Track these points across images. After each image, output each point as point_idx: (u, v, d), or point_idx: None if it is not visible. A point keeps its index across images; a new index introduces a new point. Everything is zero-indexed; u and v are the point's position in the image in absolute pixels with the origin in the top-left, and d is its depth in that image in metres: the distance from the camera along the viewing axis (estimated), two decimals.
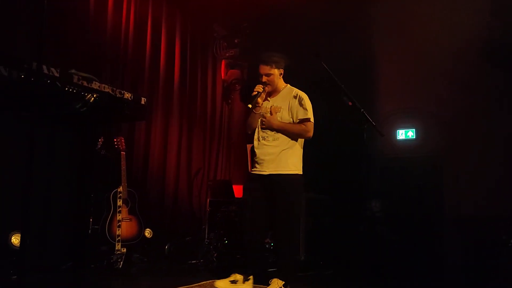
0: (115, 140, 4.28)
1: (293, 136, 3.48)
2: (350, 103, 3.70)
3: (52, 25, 2.89)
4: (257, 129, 3.52)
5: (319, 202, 5.10)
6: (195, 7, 5.63)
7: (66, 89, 2.26)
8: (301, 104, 3.49)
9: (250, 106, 3.27)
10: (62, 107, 2.36)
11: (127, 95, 2.64)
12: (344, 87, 3.69)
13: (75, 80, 2.32)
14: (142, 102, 2.80)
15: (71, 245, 3.89)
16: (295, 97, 3.51)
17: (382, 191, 5.46)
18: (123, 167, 4.24)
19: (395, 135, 5.66)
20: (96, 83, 2.42)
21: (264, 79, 3.42)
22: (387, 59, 5.69)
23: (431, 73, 5.37)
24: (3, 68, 2.06)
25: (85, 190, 3.87)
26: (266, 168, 3.37)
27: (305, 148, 3.72)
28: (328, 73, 3.71)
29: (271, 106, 3.47)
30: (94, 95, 2.35)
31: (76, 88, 2.29)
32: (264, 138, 3.45)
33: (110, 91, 2.49)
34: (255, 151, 3.51)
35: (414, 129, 5.62)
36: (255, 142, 3.51)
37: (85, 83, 2.35)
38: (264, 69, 3.45)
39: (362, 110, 3.66)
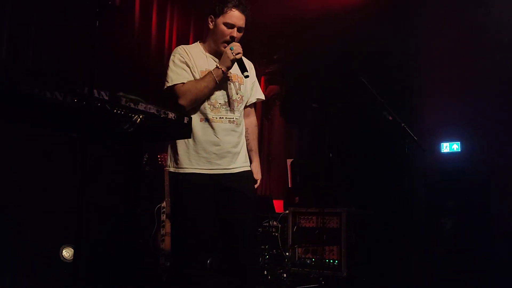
0: (159, 156, 4.45)
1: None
2: (390, 118, 3.69)
3: (102, 50, 3.07)
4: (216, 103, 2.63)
5: (362, 217, 5.05)
6: None
7: (115, 111, 2.36)
8: (256, 82, 2.90)
9: (247, 74, 2.59)
10: (111, 128, 2.49)
11: (171, 115, 2.74)
12: (384, 101, 3.69)
13: (122, 102, 2.44)
14: (185, 121, 2.89)
15: (118, 259, 4.03)
16: (253, 71, 2.84)
17: (429, 206, 5.32)
18: (166, 183, 4.38)
19: (439, 148, 5.54)
20: (142, 104, 2.54)
21: (237, 35, 2.60)
22: (432, 70, 5.60)
23: (475, 84, 5.25)
24: (59, 93, 2.21)
25: (131, 205, 4.01)
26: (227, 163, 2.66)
27: (347, 162, 3.64)
28: (368, 88, 3.73)
29: (229, 73, 2.65)
30: (141, 116, 2.45)
31: (124, 110, 2.40)
32: (232, 119, 2.66)
33: (155, 112, 2.60)
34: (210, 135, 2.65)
35: (459, 142, 5.47)
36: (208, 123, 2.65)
37: (132, 105, 2.47)
38: (240, 19, 2.60)
39: (403, 124, 3.64)
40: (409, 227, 4.78)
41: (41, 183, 3.79)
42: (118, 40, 4.18)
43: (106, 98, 2.61)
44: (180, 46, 2.66)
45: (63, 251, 3.79)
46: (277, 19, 5.68)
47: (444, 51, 5.44)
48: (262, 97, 2.91)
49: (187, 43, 5.67)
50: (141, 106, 2.76)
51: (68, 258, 3.76)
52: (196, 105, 2.56)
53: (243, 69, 2.58)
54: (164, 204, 4.32)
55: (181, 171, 2.58)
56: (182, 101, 2.51)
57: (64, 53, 3.63)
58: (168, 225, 4.28)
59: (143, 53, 4.72)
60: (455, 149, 5.46)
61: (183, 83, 2.54)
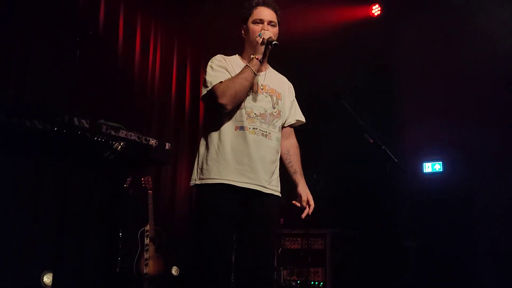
0: (142, 179, 4.44)
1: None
2: (371, 141, 3.74)
3: (83, 77, 3.11)
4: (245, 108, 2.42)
5: (347, 238, 5.06)
6: (219, 49, 5.85)
7: (95, 138, 2.39)
8: (295, 102, 2.73)
9: (274, 42, 2.39)
10: (91, 155, 2.51)
11: (152, 142, 2.77)
12: (365, 124, 3.74)
13: (103, 129, 2.47)
14: (167, 148, 2.94)
15: (101, 284, 3.99)
16: (291, 89, 2.71)
17: (412, 227, 5.36)
18: (150, 206, 4.37)
19: (421, 168, 5.60)
20: (123, 131, 2.57)
21: (268, 30, 2.45)
22: (412, 91, 5.70)
23: (456, 104, 5.35)
24: (38, 122, 2.23)
25: (114, 229, 3.99)
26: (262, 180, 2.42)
27: (331, 183, 3.67)
28: (348, 111, 3.79)
29: (266, 86, 2.51)
30: (121, 143, 2.49)
31: (104, 138, 2.43)
32: (266, 133, 2.44)
33: (136, 139, 2.63)
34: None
35: (441, 162, 5.55)
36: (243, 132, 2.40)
37: (113, 132, 2.50)
38: (268, 14, 2.50)
39: (383, 147, 3.69)
40: (394, 247, 4.81)
41: (23, 208, 3.76)
42: (101, 67, 4.21)
43: (87, 126, 2.63)
44: (218, 55, 2.54)
45: (44, 277, 3.74)
46: None
47: (424, 72, 5.56)
48: (303, 119, 2.69)
49: (171, 70, 5.78)
50: (122, 133, 2.79)
51: (49, 284, 3.71)
52: (237, 103, 2.36)
53: (272, 41, 2.37)
54: (147, 227, 4.30)
55: (209, 181, 2.33)
56: (223, 100, 2.30)
57: (47, 81, 3.65)
58: (152, 249, 4.26)
59: (127, 79, 4.76)
60: (437, 169, 5.53)
61: (221, 82, 2.35)
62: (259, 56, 2.37)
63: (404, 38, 5.66)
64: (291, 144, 2.65)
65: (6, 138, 2.24)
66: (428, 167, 5.58)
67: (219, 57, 2.49)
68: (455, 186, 5.27)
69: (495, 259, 4.79)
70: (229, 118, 2.40)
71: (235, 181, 2.33)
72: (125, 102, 4.61)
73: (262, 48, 2.37)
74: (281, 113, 2.53)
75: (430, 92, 5.52)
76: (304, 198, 2.52)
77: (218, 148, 2.36)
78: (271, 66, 2.66)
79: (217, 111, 2.39)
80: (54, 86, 3.54)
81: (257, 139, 2.38)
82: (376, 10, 5.72)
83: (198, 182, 2.38)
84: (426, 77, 5.52)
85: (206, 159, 2.37)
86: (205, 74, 2.44)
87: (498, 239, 4.89)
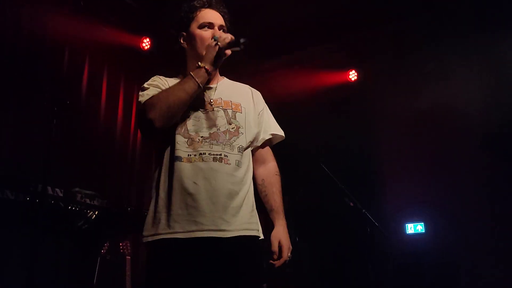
0: (121, 244, 4.32)
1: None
2: (351, 204, 3.75)
3: (60, 146, 3.10)
4: (193, 123, 1.94)
5: None
6: None
7: (69, 207, 2.36)
8: (268, 113, 2.21)
9: (243, 40, 1.90)
10: (64, 225, 2.46)
11: (130, 209, 2.74)
12: (344, 187, 3.77)
13: (78, 198, 2.45)
14: (145, 213, 2.90)
15: None
16: (256, 97, 2.17)
17: None
18: (128, 273, 4.22)
19: (404, 229, 5.58)
20: (99, 199, 2.54)
21: (218, 34, 1.95)
22: (393, 151, 5.79)
23: (436, 165, 5.43)
24: (10, 192, 2.19)
25: None
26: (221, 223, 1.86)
27: (314, 247, 3.60)
28: (328, 174, 3.82)
29: (218, 100, 2.01)
30: (96, 212, 2.45)
31: (78, 207, 2.40)
32: (219, 156, 1.91)
33: (112, 207, 2.60)
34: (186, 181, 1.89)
35: (423, 223, 5.54)
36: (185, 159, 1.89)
37: (87, 201, 2.47)
38: (216, 17, 2.07)
39: (363, 211, 3.70)
40: None
41: None
42: (80, 133, 4.22)
43: (61, 195, 2.61)
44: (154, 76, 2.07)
45: None
46: None
47: (403, 134, 5.68)
48: (280, 132, 2.17)
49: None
50: (97, 201, 2.76)
51: None
52: (170, 122, 1.84)
53: (235, 43, 1.88)
54: None
55: (150, 238, 1.84)
56: (151, 114, 1.78)
57: (22, 149, 3.64)
58: None
59: (107, 145, 4.77)
60: (419, 230, 5.51)
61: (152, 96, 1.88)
62: (209, 67, 1.87)
63: (381, 102, 5.82)
64: (268, 171, 2.11)
65: None
66: (411, 228, 5.56)
67: (154, 77, 2.03)
68: (438, 247, 5.24)
69: None
70: (166, 148, 1.90)
71: (180, 232, 1.79)
72: (104, 168, 4.59)
73: (214, 57, 1.87)
74: (241, 129, 1.98)
75: (410, 153, 5.61)
76: (274, 245, 1.98)
77: (157, 190, 1.88)
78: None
79: (150, 137, 1.96)
80: (29, 154, 3.52)
81: (207, 167, 1.84)
82: (353, 75, 5.92)
83: (144, 239, 1.88)
84: (405, 138, 5.64)
85: (151, 209, 1.89)
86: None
87: None
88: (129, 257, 4.28)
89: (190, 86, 1.85)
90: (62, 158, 3.61)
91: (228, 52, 1.89)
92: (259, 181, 2.08)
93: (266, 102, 2.19)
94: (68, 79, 4.37)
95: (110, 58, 4.89)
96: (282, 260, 1.99)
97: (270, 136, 2.13)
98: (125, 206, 2.66)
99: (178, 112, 1.85)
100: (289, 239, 2.04)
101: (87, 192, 2.49)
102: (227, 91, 2.05)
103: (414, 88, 5.57)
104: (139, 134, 5.25)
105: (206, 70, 1.87)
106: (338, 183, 3.77)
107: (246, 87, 2.17)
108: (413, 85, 5.59)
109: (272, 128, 2.15)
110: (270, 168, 2.14)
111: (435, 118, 5.40)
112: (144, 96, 1.89)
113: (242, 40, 1.87)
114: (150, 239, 1.83)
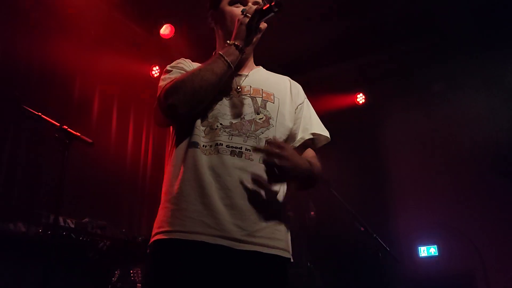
0: (131, 272, 4.31)
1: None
2: (362, 229, 3.71)
3: (70, 176, 3.13)
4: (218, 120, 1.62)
5: None
6: None
7: (80, 238, 2.37)
8: (310, 108, 1.84)
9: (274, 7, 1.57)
10: (75, 256, 2.47)
11: (140, 238, 2.74)
12: (355, 212, 3.74)
13: (89, 228, 2.46)
14: None
15: None
16: (295, 88, 1.84)
17: None
18: None
19: (417, 252, 5.51)
20: (110, 229, 2.55)
21: (248, 6, 1.68)
22: (404, 174, 5.76)
23: (446, 187, 5.39)
24: (22, 224, 2.21)
25: None
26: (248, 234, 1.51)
27: (327, 272, 3.53)
28: (338, 199, 3.80)
29: (246, 87, 1.70)
30: (107, 243, 2.45)
31: (89, 237, 2.41)
32: (239, 149, 1.58)
33: (123, 237, 2.60)
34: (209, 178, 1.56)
35: (436, 246, 5.47)
36: (211, 157, 1.57)
37: (98, 231, 2.48)
38: None
39: (374, 235, 3.66)
40: None
41: None
42: (91, 165, 4.25)
43: (72, 226, 2.64)
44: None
45: None
46: None
47: (413, 156, 5.65)
48: (326, 133, 1.79)
49: (162, 166, 5.76)
50: (108, 232, 2.79)
51: None
52: (197, 108, 1.57)
53: (267, 10, 1.59)
54: None
55: (157, 237, 1.54)
56: (173, 99, 1.52)
57: (34, 181, 3.68)
58: None
59: (117, 176, 4.79)
60: (432, 252, 5.44)
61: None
62: (240, 43, 1.60)
63: (390, 124, 5.83)
64: None
65: None
66: (424, 251, 5.49)
67: (179, 60, 1.77)
68: (452, 271, 5.16)
69: None
70: (184, 136, 1.61)
71: (183, 233, 1.47)
72: (115, 197, 4.61)
73: (246, 32, 1.60)
74: (271, 121, 1.65)
75: (420, 175, 5.58)
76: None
77: (169, 183, 1.60)
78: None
79: (169, 125, 1.70)
80: (41, 185, 3.57)
81: (218, 161, 1.53)
82: (360, 98, 5.94)
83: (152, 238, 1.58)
84: (415, 160, 5.61)
85: (162, 205, 1.61)
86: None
87: None
88: (140, 285, 4.26)
89: (219, 66, 1.56)
90: (72, 189, 3.65)
91: (263, 25, 1.64)
92: None
93: None
94: (79, 108, 4.43)
95: (120, 86, 4.96)
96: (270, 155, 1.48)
97: (311, 136, 1.74)
98: (136, 235, 2.67)
99: (206, 97, 1.56)
100: (302, 167, 1.56)
101: (98, 222, 2.51)
102: (259, 79, 1.76)
103: (423, 109, 5.58)
104: (149, 163, 5.28)
105: (237, 47, 1.60)
106: (348, 208, 3.74)
107: (284, 78, 1.85)
108: (421, 106, 5.60)
109: (314, 126, 1.75)
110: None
111: (445, 139, 5.39)
112: (165, 80, 1.64)
113: (274, 3, 1.56)
114: (156, 237, 1.55)
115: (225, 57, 1.57)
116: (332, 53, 5.50)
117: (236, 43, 1.60)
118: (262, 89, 1.70)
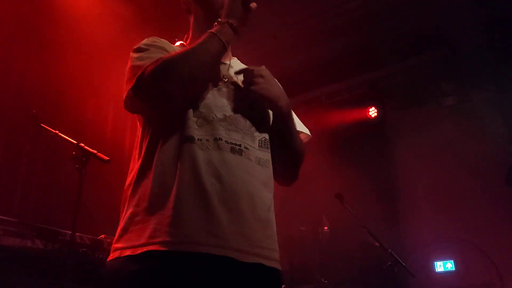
0: None
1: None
2: (377, 244, 3.68)
3: (88, 192, 3.17)
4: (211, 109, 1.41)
5: None
6: None
7: (96, 255, 2.39)
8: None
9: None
10: (91, 273, 2.49)
11: None
12: (369, 228, 3.72)
13: (105, 245, 2.48)
14: None
15: None
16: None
17: None
18: None
19: (433, 267, 5.44)
20: None
21: None
22: (417, 188, 5.72)
23: (461, 200, 5.33)
24: (39, 241, 2.25)
25: None
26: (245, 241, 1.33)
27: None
28: (352, 214, 3.79)
29: (233, 78, 1.54)
30: None
31: (106, 254, 2.41)
32: (238, 147, 1.39)
33: None
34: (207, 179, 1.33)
35: (452, 260, 5.40)
36: (203, 152, 1.35)
37: None
38: None
39: (389, 250, 3.63)
40: None
41: None
42: (107, 182, 4.29)
43: (88, 242, 2.66)
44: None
45: None
46: None
47: (427, 169, 5.62)
48: (306, 131, 1.69)
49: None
50: None
51: None
52: (190, 95, 1.37)
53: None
54: None
55: (130, 252, 1.28)
56: (166, 82, 1.29)
57: (51, 198, 3.73)
58: None
59: None
60: (449, 267, 5.36)
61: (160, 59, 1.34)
62: (235, 21, 1.40)
63: (402, 137, 5.81)
64: None
65: (7, 261, 2.25)
66: (440, 266, 5.41)
67: (153, 38, 1.52)
68: (469, 285, 5.07)
69: None
70: (172, 128, 1.37)
71: (186, 244, 1.25)
72: None
73: (242, 10, 1.41)
74: (265, 120, 1.51)
75: (435, 189, 5.54)
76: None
77: (157, 183, 1.32)
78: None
79: (148, 116, 1.44)
80: (59, 203, 3.61)
81: (219, 158, 1.33)
82: (372, 112, 5.95)
83: (117, 253, 1.31)
84: (430, 173, 5.58)
85: (137, 212, 1.33)
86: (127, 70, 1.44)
87: None
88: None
89: (214, 46, 1.36)
90: (89, 205, 3.69)
91: (253, 5, 1.43)
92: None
93: None
94: (93, 125, 4.49)
95: None
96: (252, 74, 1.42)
97: None
98: None
99: (200, 80, 1.38)
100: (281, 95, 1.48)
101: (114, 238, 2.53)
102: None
103: (435, 122, 5.56)
104: None
105: (231, 25, 1.40)
106: (360, 223, 3.73)
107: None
108: (433, 119, 5.59)
109: (297, 124, 1.63)
110: None
111: (458, 152, 5.35)
112: (143, 59, 1.38)
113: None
114: (127, 252, 1.27)
115: (219, 35, 1.38)
116: (344, 67, 5.54)
117: (230, 21, 1.40)
118: None
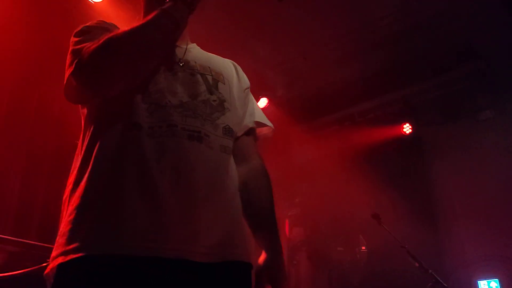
0: None
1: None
2: (417, 264, 3.61)
3: None
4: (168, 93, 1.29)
5: None
6: None
7: None
8: (252, 96, 1.60)
9: None
10: None
11: None
12: (408, 248, 3.64)
13: None
14: None
15: None
16: (241, 71, 1.58)
17: None
18: None
19: (476, 287, 5.25)
20: None
21: None
22: (458, 204, 5.58)
23: (505, 216, 5.16)
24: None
25: None
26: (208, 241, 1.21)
27: None
28: (389, 234, 3.74)
29: (191, 62, 1.40)
30: None
31: None
32: (197, 134, 1.26)
33: None
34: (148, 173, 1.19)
35: (497, 279, 5.19)
36: (150, 140, 1.21)
37: None
38: None
39: (430, 271, 3.54)
40: None
41: None
42: None
43: None
44: None
45: None
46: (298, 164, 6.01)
47: (467, 185, 5.48)
48: (269, 123, 1.56)
49: None
50: None
51: None
52: (139, 76, 1.25)
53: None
54: None
55: (74, 254, 1.10)
56: (108, 60, 1.18)
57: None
58: None
59: None
60: (494, 287, 5.16)
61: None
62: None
63: (439, 153, 5.70)
64: (252, 169, 1.44)
65: None
66: (484, 286, 5.22)
67: (98, 21, 1.40)
68: None
69: None
70: (117, 116, 1.23)
71: (129, 245, 1.10)
72: None
73: None
74: (226, 104, 1.38)
75: (477, 205, 5.38)
76: (273, 273, 1.32)
77: (96, 178, 1.18)
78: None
79: (92, 105, 1.30)
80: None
81: (176, 147, 1.20)
82: (407, 128, 5.86)
83: (60, 258, 1.12)
84: (468, 190, 5.44)
85: (71, 212, 1.17)
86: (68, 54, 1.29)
87: None
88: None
89: (165, 22, 1.25)
90: None
91: None
92: (240, 186, 1.37)
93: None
94: None
95: None
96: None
97: (253, 125, 1.50)
98: None
99: (151, 60, 1.25)
100: (285, 269, 1.36)
101: None
102: (203, 56, 1.48)
103: (472, 137, 5.44)
104: None
105: (185, 2, 1.29)
106: (400, 243, 3.66)
107: (227, 59, 1.58)
108: (470, 134, 5.47)
109: (257, 115, 1.52)
110: (255, 166, 1.45)
111: (497, 167, 5.20)
112: (85, 41, 1.24)
113: None
114: (70, 255, 1.09)
115: (171, 12, 1.26)
116: (376, 84, 5.53)
117: None
118: (209, 67, 1.42)
